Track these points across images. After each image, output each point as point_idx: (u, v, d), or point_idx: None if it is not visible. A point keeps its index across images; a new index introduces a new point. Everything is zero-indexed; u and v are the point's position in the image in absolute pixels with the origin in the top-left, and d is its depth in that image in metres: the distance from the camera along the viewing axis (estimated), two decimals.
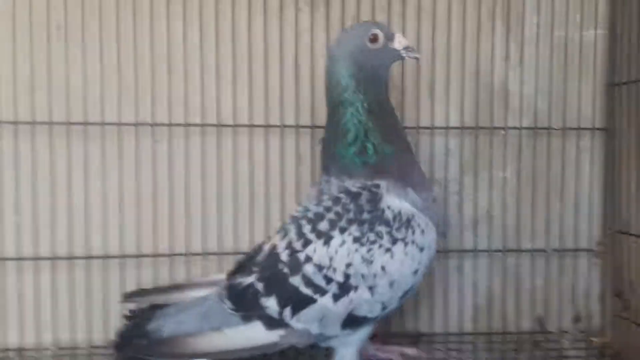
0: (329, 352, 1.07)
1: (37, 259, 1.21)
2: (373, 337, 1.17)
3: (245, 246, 1.23)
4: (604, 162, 1.33)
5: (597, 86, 1.31)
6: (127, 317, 1.12)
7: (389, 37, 1.04)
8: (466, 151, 1.31)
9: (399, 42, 1.04)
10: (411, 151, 1.08)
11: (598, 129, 1.32)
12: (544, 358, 1.28)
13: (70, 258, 1.22)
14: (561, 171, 1.32)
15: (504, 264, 1.32)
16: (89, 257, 1.22)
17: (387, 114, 1.05)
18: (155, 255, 1.24)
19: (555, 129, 1.31)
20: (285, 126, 1.26)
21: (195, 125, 1.23)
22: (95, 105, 1.21)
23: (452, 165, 1.31)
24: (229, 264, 1.17)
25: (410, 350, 1.17)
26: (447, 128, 1.30)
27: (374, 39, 1.03)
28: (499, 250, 1.31)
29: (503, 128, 1.30)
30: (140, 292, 1.17)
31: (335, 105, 1.04)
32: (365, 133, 1.02)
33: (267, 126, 1.26)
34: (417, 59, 1.08)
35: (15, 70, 1.19)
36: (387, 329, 1.30)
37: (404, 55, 1.05)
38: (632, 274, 1.24)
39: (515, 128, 1.31)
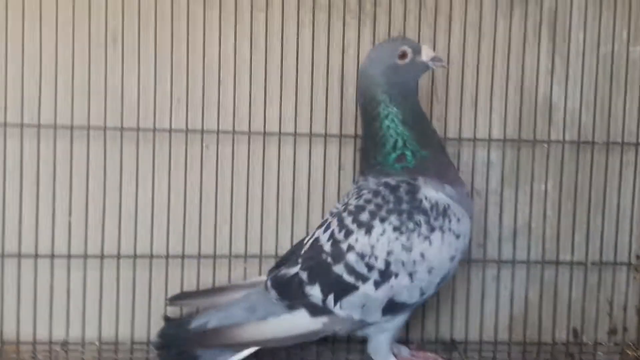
0: (364, 338, 1.12)
1: (85, 257, 1.26)
2: (409, 344, 1.21)
3: (285, 250, 1.26)
4: None
5: None
6: (166, 319, 1.18)
7: (417, 51, 1.09)
8: (507, 163, 1.32)
9: (425, 55, 1.09)
10: (445, 153, 1.14)
11: None
12: None
13: (117, 257, 1.26)
14: (603, 185, 1.32)
15: (541, 275, 1.33)
16: (135, 257, 1.27)
17: (419, 120, 1.11)
18: (199, 257, 1.28)
19: (599, 143, 1.31)
20: (328, 135, 1.29)
21: (243, 132, 1.27)
22: (148, 112, 1.25)
23: (493, 176, 1.32)
24: (269, 267, 1.22)
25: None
26: (489, 140, 1.30)
27: (402, 55, 1.09)
28: (538, 262, 1.32)
29: (545, 141, 1.31)
30: (185, 295, 1.23)
31: (371, 118, 1.11)
32: (404, 142, 1.09)
33: (312, 135, 1.28)
34: (444, 67, 1.12)
35: (73, 76, 1.23)
36: (422, 336, 1.33)
37: (432, 66, 1.10)
38: None
39: (558, 141, 1.31)
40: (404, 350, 1.17)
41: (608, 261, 1.33)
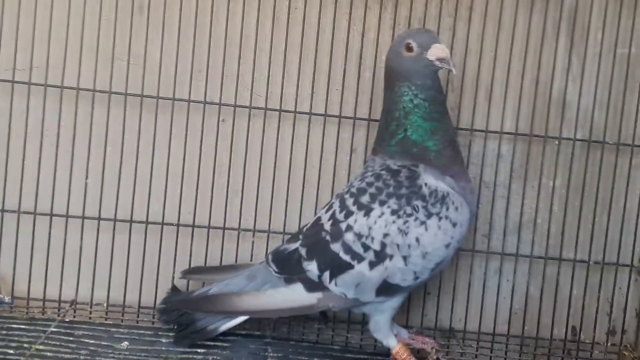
0: (365, 318, 1.16)
1: (99, 219, 1.29)
2: (409, 329, 1.23)
3: (293, 228, 1.29)
4: None
5: None
6: (172, 289, 1.23)
7: (425, 47, 1.09)
8: (517, 157, 1.33)
9: (431, 54, 1.09)
10: (456, 148, 1.15)
11: None
12: None
13: (130, 221, 1.29)
14: (611, 186, 1.33)
15: (544, 271, 1.34)
16: (147, 223, 1.29)
17: (434, 111, 1.11)
18: (209, 227, 1.30)
19: (610, 144, 1.32)
20: (343, 117, 1.31)
21: (259, 108, 1.29)
22: (168, 81, 1.27)
23: (502, 169, 1.33)
24: (277, 243, 1.25)
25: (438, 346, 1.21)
26: (500, 133, 1.32)
27: (408, 48, 1.10)
28: (541, 257, 1.34)
29: (557, 138, 1.32)
30: (195, 270, 1.27)
31: (386, 101, 1.14)
32: (411, 129, 1.11)
33: (326, 115, 1.30)
34: (451, 71, 1.11)
35: (99, 42, 1.26)
36: (422, 323, 1.35)
37: (439, 65, 1.10)
38: None
39: (569, 139, 1.32)
40: (404, 333, 1.19)
41: (611, 262, 1.34)
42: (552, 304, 1.35)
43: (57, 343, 1.11)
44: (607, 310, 1.36)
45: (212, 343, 1.15)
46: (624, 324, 1.36)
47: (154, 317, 1.27)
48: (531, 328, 1.35)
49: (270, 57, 1.29)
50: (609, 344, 1.36)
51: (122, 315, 1.28)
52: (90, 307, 1.29)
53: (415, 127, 1.11)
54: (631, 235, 1.34)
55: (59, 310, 1.27)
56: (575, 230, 1.34)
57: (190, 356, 1.12)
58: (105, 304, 1.30)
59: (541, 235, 1.35)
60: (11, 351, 1.07)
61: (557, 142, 1.33)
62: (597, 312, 1.35)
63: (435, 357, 1.16)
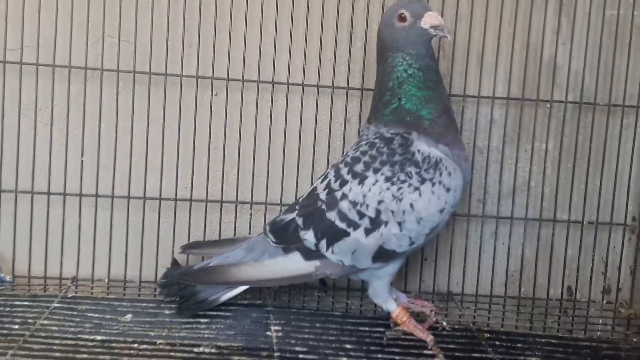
0: (364, 285, 1.18)
1: (96, 196, 1.30)
2: (407, 294, 1.25)
3: (290, 199, 1.31)
4: None
5: None
6: (173, 263, 1.25)
7: (418, 16, 1.10)
8: (510, 122, 1.35)
9: (425, 22, 1.09)
10: (450, 117, 1.15)
11: None
12: (571, 325, 1.33)
13: (127, 197, 1.30)
14: (603, 147, 1.35)
15: (538, 233, 1.36)
16: (144, 198, 1.30)
17: (428, 80, 1.12)
18: (207, 201, 1.31)
19: (600, 105, 1.33)
20: (336, 87, 1.31)
21: (252, 81, 1.30)
22: (160, 57, 1.27)
23: (495, 134, 1.35)
24: (274, 214, 1.26)
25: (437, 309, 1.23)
26: (493, 98, 1.33)
27: (401, 18, 1.11)
28: (536, 219, 1.36)
29: (548, 101, 1.33)
30: (195, 245, 1.28)
31: (380, 72, 1.15)
32: (405, 98, 1.12)
33: (319, 86, 1.31)
34: (446, 37, 1.11)
35: (88, 19, 1.26)
36: (420, 288, 1.37)
37: (433, 33, 1.10)
38: None
39: (560, 102, 1.34)
40: (403, 297, 1.20)
41: (604, 221, 1.36)
42: (547, 264, 1.37)
43: (61, 317, 1.13)
44: (601, 269, 1.39)
45: (215, 313, 1.17)
46: (619, 282, 1.39)
47: (155, 291, 1.28)
48: (528, 289, 1.38)
49: (261, 30, 1.29)
50: (604, 302, 1.39)
51: (124, 290, 1.30)
52: (92, 283, 1.31)
53: (409, 96, 1.11)
54: (624, 194, 1.36)
55: (60, 287, 1.28)
56: (569, 191, 1.35)
57: (194, 326, 1.13)
58: (106, 280, 1.31)
59: (535, 197, 1.36)
60: (16, 326, 1.08)
61: (548, 106, 1.34)
62: (592, 271, 1.37)
63: (434, 319, 1.18)
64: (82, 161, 1.29)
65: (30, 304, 1.17)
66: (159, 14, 1.27)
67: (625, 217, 1.37)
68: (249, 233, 1.32)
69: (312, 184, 1.27)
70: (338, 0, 1.29)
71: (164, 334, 1.10)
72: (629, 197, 1.36)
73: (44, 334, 1.06)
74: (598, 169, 1.35)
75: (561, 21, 1.33)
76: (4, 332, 1.06)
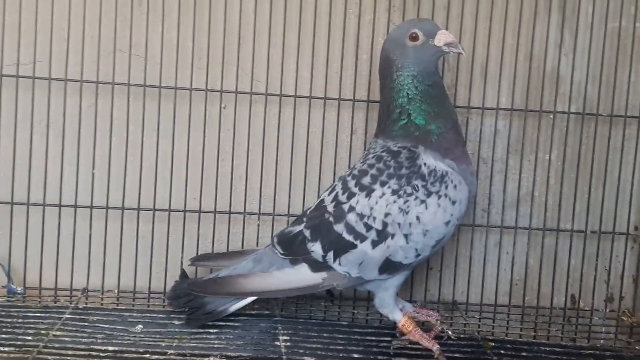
0: (370, 295, 1.20)
1: (107, 208, 1.32)
2: (413, 303, 1.26)
3: (297, 210, 1.33)
4: None
5: None
6: (182, 276, 1.26)
7: (430, 35, 1.13)
8: (514, 132, 1.36)
9: (438, 40, 1.12)
10: (458, 131, 1.17)
11: None
12: (574, 333, 1.35)
13: (137, 209, 1.32)
14: (605, 157, 1.36)
15: (542, 242, 1.38)
16: (154, 210, 1.32)
17: (433, 96, 1.14)
18: (215, 212, 1.33)
19: (603, 116, 1.35)
20: (342, 99, 1.33)
21: (260, 94, 1.32)
22: (170, 71, 1.29)
23: (499, 145, 1.37)
24: (282, 225, 1.28)
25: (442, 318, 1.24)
26: (497, 109, 1.35)
27: (413, 37, 1.13)
28: (539, 229, 1.37)
29: (552, 112, 1.35)
30: (204, 257, 1.30)
31: (384, 88, 1.16)
32: (409, 115, 1.14)
33: (326, 98, 1.33)
34: (461, 53, 1.14)
35: (100, 34, 1.28)
36: (425, 297, 1.39)
37: (447, 50, 1.13)
38: None
39: (563, 112, 1.35)
40: (408, 306, 1.22)
41: (607, 231, 1.38)
42: (551, 273, 1.38)
43: (73, 329, 1.14)
44: (604, 278, 1.40)
45: (224, 323, 1.19)
46: (622, 290, 1.40)
47: (164, 302, 1.30)
48: (531, 298, 1.39)
49: (269, 44, 1.31)
50: (607, 311, 1.40)
51: (133, 301, 1.32)
52: (102, 294, 1.33)
53: (419, 111, 1.13)
54: (626, 204, 1.38)
55: (71, 298, 1.30)
56: (572, 201, 1.37)
57: (204, 336, 1.15)
58: (116, 291, 1.33)
59: (539, 207, 1.38)
60: (29, 338, 1.10)
61: (551, 116, 1.36)
62: (595, 280, 1.39)
63: (440, 328, 1.20)
64: (93, 174, 1.31)
65: (42, 315, 1.19)
66: (169, 28, 1.29)
67: (628, 227, 1.38)
68: (257, 244, 1.34)
69: (319, 195, 1.29)
70: (344, 14, 1.31)
71: (174, 344, 1.12)
72: (632, 207, 1.38)
73: (57, 345, 1.08)
74: (601, 179, 1.37)
75: (564, 33, 1.35)
76: (18, 343, 1.08)
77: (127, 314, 1.23)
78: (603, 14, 1.34)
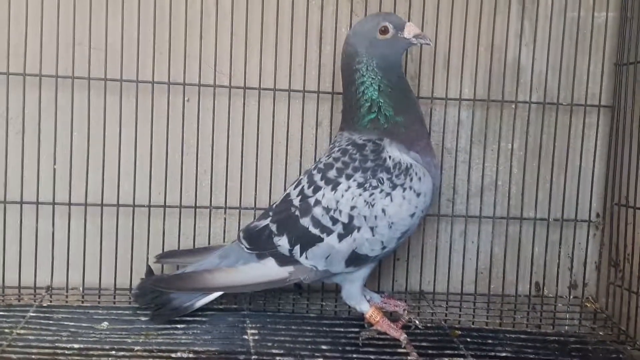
0: (338, 287, 1.20)
1: (70, 204, 1.29)
2: (381, 294, 1.27)
3: (264, 203, 1.32)
4: (608, 138, 1.39)
5: (605, 66, 1.37)
6: (147, 273, 1.24)
7: (399, 27, 1.13)
8: (477, 122, 1.38)
9: (408, 32, 1.13)
10: (422, 123, 1.18)
11: (604, 106, 1.39)
12: (539, 320, 1.37)
13: (101, 205, 1.30)
14: (567, 145, 1.38)
15: (506, 231, 1.39)
16: (118, 205, 1.30)
17: (399, 89, 1.15)
18: (180, 207, 1.32)
19: (563, 105, 1.37)
20: (307, 91, 1.33)
21: (224, 86, 1.31)
22: (131, 64, 1.28)
23: (462, 135, 1.38)
24: (249, 219, 1.27)
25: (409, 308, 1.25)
26: (459, 99, 1.36)
27: (383, 31, 1.13)
28: (503, 218, 1.39)
29: (513, 102, 1.37)
30: (170, 254, 1.29)
31: (349, 83, 1.16)
32: (379, 108, 1.14)
33: (290, 90, 1.32)
34: (428, 45, 1.16)
35: (59, 27, 1.26)
36: (393, 287, 1.40)
37: (415, 42, 1.14)
38: (628, 245, 1.32)
39: (525, 102, 1.37)
40: (376, 297, 1.23)
41: (570, 218, 1.40)
42: (515, 262, 1.40)
43: (38, 327, 1.12)
44: (568, 265, 1.43)
45: (191, 318, 1.18)
46: (585, 277, 1.43)
47: (130, 298, 1.28)
48: (497, 286, 1.41)
49: (231, 36, 1.30)
50: (571, 297, 1.43)
51: (99, 298, 1.30)
52: (67, 292, 1.31)
53: (388, 104, 1.13)
54: (588, 191, 1.40)
55: (35, 297, 1.28)
56: (535, 190, 1.39)
57: (171, 332, 1.14)
58: (81, 288, 1.31)
59: (502, 196, 1.40)
60: None
61: (513, 106, 1.38)
62: (558, 267, 1.41)
63: (407, 318, 1.20)
64: (54, 169, 1.29)
65: (6, 314, 1.17)
66: (129, 20, 1.28)
67: (590, 214, 1.41)
68: (224, 238, 1.33)
69: (285, 188, 1.28)
70: (307, 5, 1.31)
71: (141, 340, 1.11)
72: (593, 194, 1.41)
73: (21, 344, 1.06)
74: (562, 167, 1.39)
75: (524, 23, 1.36)
76: None
77: (93, 311, 1.21)
78: (562, 4, 1.36)
